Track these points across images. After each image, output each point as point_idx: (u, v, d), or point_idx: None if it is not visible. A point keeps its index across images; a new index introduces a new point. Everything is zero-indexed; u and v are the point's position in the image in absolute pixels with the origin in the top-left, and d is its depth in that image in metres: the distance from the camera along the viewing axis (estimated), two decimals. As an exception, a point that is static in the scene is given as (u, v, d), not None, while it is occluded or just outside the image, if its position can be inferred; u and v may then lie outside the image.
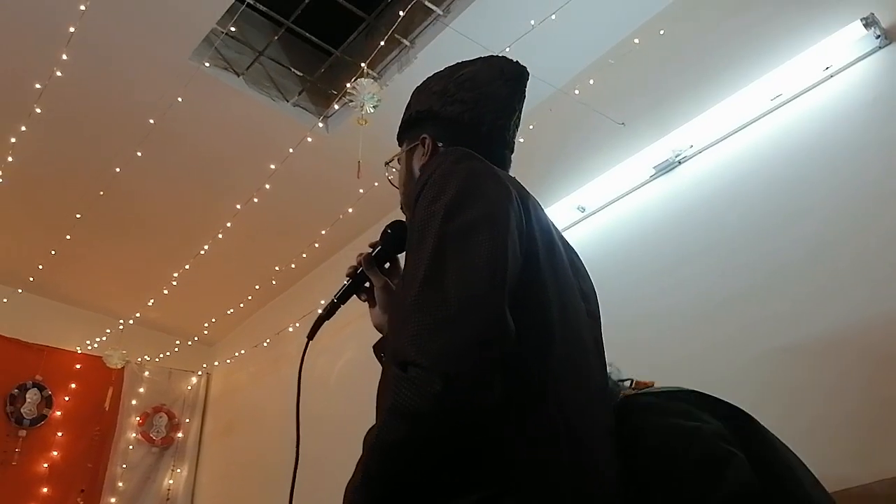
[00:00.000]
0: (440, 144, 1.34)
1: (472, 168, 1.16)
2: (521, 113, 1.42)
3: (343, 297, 1.43)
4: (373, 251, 1.39)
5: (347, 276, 1.41)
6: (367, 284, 1.41)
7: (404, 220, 1.40)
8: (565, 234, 2.88)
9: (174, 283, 4.25)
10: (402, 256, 1.43)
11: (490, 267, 1.00)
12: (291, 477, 1.28)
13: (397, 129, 1.50)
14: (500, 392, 0.94)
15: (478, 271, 0.99)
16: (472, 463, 0.96)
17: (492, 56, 1.40)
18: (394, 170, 1.51)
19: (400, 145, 1.46)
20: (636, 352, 2.44)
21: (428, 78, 1.45)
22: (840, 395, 1.92)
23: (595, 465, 1.07)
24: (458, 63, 1.41)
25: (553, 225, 1.32)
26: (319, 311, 1.48)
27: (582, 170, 2.90)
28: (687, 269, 2.42)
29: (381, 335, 1.38)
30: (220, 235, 3.96)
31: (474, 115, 1.34)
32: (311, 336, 1.41)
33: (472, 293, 0.96)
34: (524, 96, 1.42)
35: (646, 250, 2.60)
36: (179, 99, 3.18)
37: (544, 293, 1.11)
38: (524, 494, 0.95)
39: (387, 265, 1.41)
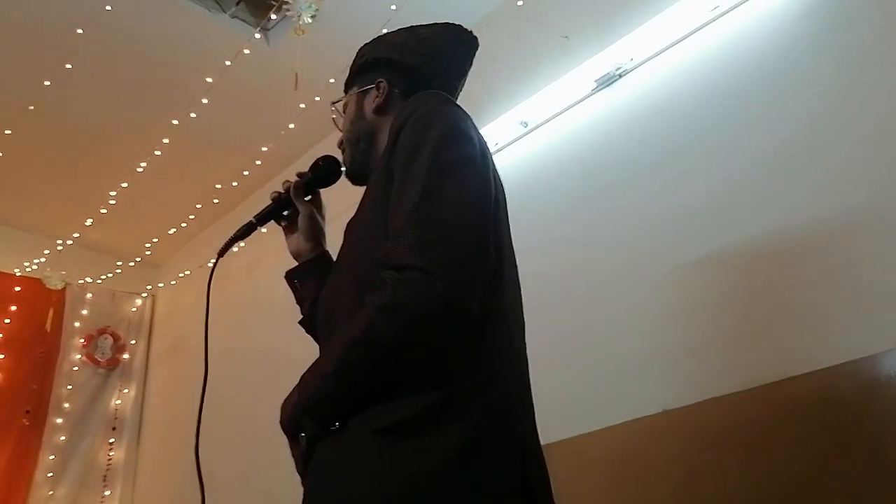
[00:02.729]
0: (395, 90, 1.41)
1: (457, 111, 1.25)
2: (466, 78, 1.51)
3: (262, 220, 1.50)
4: (301, 180, 1.48)
5: (272, 199, 1.47)
6: (285, 213, 1.50)
7: (341, 157, 1.49)
8: (508, 150, 2.94)
9: (112, 202, 4.14)
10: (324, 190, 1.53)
11: (480, 198, 1.12)
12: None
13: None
14: (479, 308, 1.03)
15: (470, 201, 1.09)
16: (439, 365, 1.04)
17: (448, 23, 1.48)
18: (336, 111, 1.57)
19: (346, 91, 1.52)
20: (575, 264, 2.54)
21: (381, 35, 1.52)
22: (749, 305, 2.04)
23: (528, 388, 1.21)
24: (413, 25, 1.48)
25: None
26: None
27: (525, 84, 2.90)
28: (626, 184, 2.47)
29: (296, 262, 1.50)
30: (158, 153, 3.84)
31: (431, 68, 1.42)
32: (221, 253, 1.47)
33: (467, 217, 1.06)
34: (472, 65, 1.51)
35: (587, 164, 2.64)
36: (108, 7, 3.03)
37: (502, 235, 1.23)
38: (480, 395, 1.04)
39: (308, 197, 1.50)
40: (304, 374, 1.13)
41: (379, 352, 1.02)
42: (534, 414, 1.19)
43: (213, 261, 1.44)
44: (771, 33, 2.23)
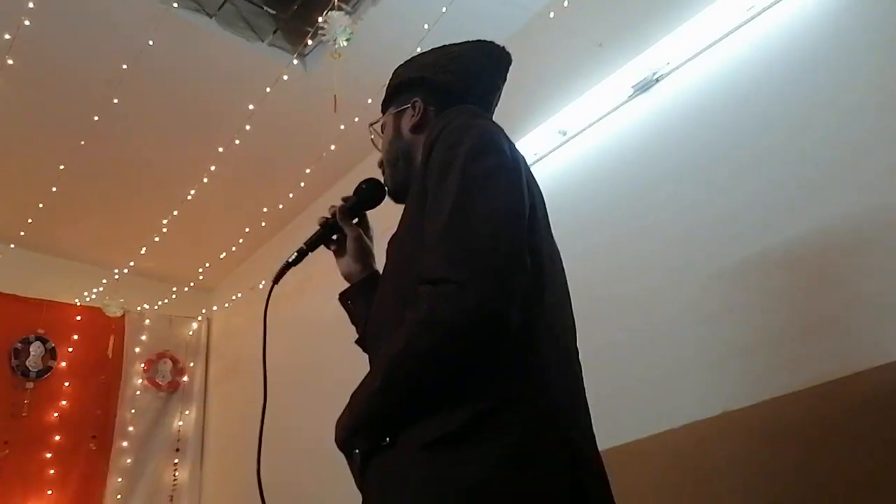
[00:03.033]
0: (431, 109, 1.43)
1: (487, 124, 1.27)
2: (501, 93, 1.52)
3: (312, 245, 1.52)
4: (346, 204, 1.51)
5: (320, 225, 1.50)
6: (334, 237, 1.53)
7: (381, 177, 1.52)
8: (547, 159, 2.94)
9: (164, 230, 4.28)
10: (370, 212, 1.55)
11: (512, 208, 1.12)
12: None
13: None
14: (518, 317, 1.04)
15: (502, 211, 1.10)
16: (482, 375, 1.05)
17: (479, 40, 1.50)
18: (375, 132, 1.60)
19: (383, 112, 1.55)
20: (621, 270, 2.53)
21: (415, 55, 1.55)
22: (798, 305, 2.01)
23: (580, 391, 1.21)
24: (446, 44, 1.51)
25: None
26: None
27: (562, 93, 2.90)
28: (667, 188, 2.45)
29: (348, 284, 1.50)
30: (206, 180, 3.96)
31: (464, 85, 1.44)
32: (276, 280, 1.50)
33: (499, 227, 1.07)
34: (506, 79, 1.52)
35: (628, 170, 2.63)
36: (150, 42, 3.14)
37: (541, 242, 1.22)
38: (524, 402, 1.05)
39: (355, 220, 1.53)
40: (354, 392, 1.16)
41: (420, 367, 1.05)
42: (587, 416, 1.19)
43: (267, 285, 1.48)
44: (810, 31, 2.19)
